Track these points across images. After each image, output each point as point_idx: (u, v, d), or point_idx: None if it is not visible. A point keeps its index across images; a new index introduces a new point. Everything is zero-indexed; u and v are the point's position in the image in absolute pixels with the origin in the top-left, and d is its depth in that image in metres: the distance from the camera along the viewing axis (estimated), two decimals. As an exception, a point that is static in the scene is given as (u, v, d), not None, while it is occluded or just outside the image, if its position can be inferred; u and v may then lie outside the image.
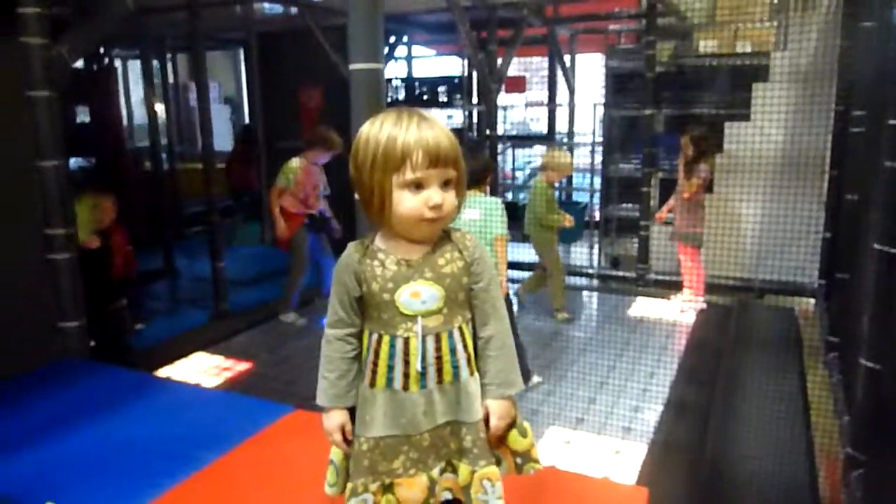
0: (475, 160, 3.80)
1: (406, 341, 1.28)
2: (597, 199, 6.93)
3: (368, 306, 1.31)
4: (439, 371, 1.30)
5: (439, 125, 1.27)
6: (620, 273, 5.96)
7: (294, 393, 3.65)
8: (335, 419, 1.34)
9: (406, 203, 1.25)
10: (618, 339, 4.50)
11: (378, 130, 1.26)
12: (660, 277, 5.63)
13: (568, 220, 4.79)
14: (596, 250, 6.46)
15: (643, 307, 5.28)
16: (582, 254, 6.67)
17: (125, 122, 8.02)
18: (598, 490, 1.78)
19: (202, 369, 4.18)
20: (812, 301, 5.25)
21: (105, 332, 3.72)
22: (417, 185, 1.24)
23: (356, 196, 1.32)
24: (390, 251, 1.31)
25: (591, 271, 5.94)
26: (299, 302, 5.06)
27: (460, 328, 1.32)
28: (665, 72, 6.11)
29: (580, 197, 8.13)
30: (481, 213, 3.99)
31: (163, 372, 4.00)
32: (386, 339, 1.30)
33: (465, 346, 1.32)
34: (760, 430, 3.17)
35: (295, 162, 4.78)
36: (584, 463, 3.07)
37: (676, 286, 5.36)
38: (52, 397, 2.48)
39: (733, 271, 5.29)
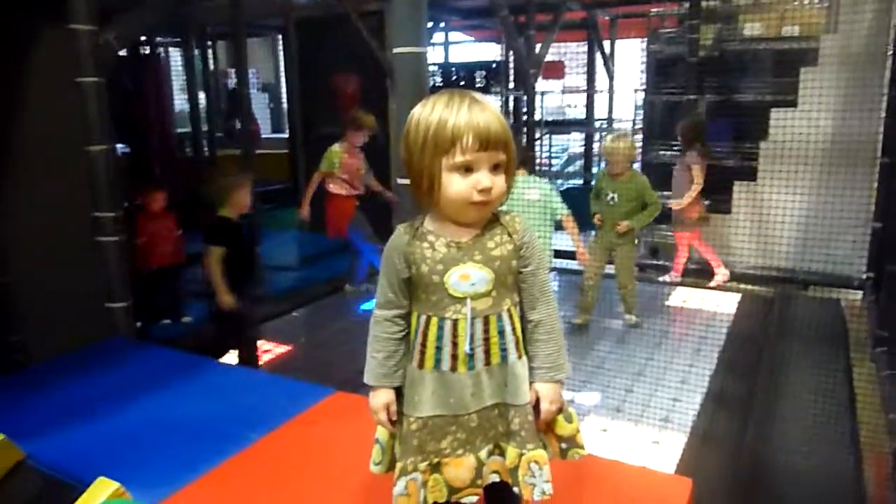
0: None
1: (454, 323, 1.29)
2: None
3: (417, 288, 1.32)
4: (487, 353, 1.30)
5: (491, 108, 1.26)
6: (660, 262, 5.87)
7: (332, 375, 3.69)
8: (381, 398, 1.36)
9: (455, 186, 1.25)
10: (656, 329, 4.44)
11: (429, 113, 1.26)
12: (699, 267, 5.53)
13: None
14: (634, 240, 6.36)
15: (682, 297, 5.20)
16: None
17: (169, 108, 8.15)
18: (640, 479, 1.77)
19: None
20: (859, 293, 5.11)
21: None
22: (467, 169, 1.24)
23: (402, 180, 1.32)
24: (440, 233, 1.31)
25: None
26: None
27: (509, 311, 1.32)
28: (708, 56, 5.97)
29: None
30: (540, 194, 4.02)
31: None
32: (434, 321, 1.30)
33: (513, 329, 1.32)
34: (804, 424, 3.11)
35: (337, 146, 4.83)
36: (621, 452, 3.05)
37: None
38: (102, 375, 2.55)
39: (776, 261, 5.17)
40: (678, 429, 3.31)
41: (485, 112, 1.25)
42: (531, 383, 1.33)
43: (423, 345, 1.31)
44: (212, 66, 8.27)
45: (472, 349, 1.29)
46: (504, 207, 1.37)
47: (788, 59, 5.60)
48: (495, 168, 1.27)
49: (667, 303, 5.08)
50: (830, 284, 5.19)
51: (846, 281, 5.13)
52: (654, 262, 5.93)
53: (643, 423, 3.37)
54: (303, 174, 7.09)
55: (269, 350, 4.28)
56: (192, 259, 5.91)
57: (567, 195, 7.10)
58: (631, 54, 9.27)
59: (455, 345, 1.29)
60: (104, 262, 2.93)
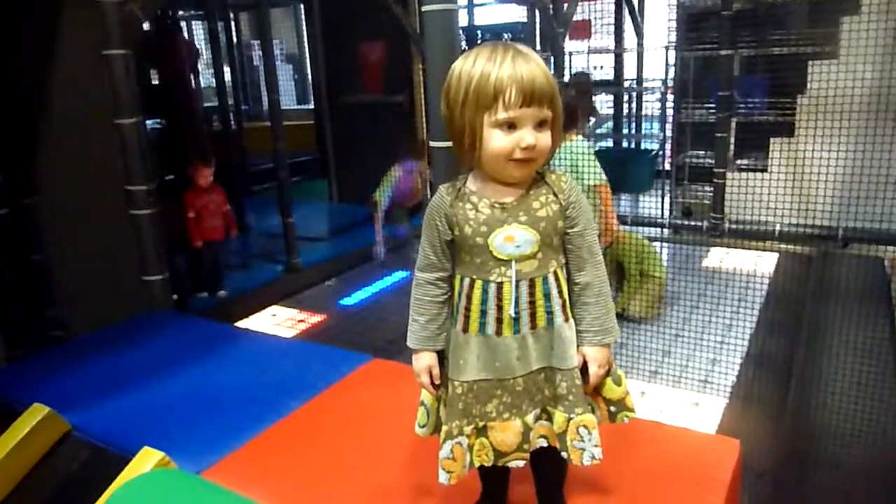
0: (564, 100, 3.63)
1: (499, 286, 1.26)
2: (667, 147, 6.67)
3: (461, 250, 1.29)
4: (533, 316, 1.27)
5: (536, 60, 1.21)
6: (693, 223, 5.76)
7: (367, 343, 3.71)
8: (424, 361, 1.34)
9: (497, 142, 1.20)
10: (692, 290, 4.36)
11: (470, 66, 1.21)
12: (735, 227, 5.42)
13: None
14: (667, 200, 6.25)
15: (718, 258, 5.11)
16: (652, 204, 6.47)
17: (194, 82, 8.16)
18: (687, 440, 1.74)
19: (278, 322, 4.29)
20: (903, 250, 4.97)
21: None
22: (510, 125, 1.20)
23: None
24: (483, 194, 1.27)
25: (662, 221, 5.76)
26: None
27: (555, 273, 1.28)
28: (742, 9, 5.76)
29: (650, 144, 7.87)
30: (569, 157, 3.73)
31: (240, 324, 4.12)
32: (479, 283, 1.27)
33: (559, 292, 1.29)
34: (847, 385, 3.04)
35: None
36: (660, 415, 3.02)
37: (753, 235, 5.14)
38: (141, 347, 2.58)
39: (815, 219, 5.04)
40: (718, 391, 3.27)
41: (529, 64, 1.19)
42: (578, 347, 1.30)
43: (468, 308, 1.29)
44: (235, 39, 8.22)
45: (517, 312, 1.26)
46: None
47: (828, 9, 5.37)
48: (540, 125, 1.21)
49: (703, 263, 5.00)
50: (872, 241, 5.05)
51: (888, 237, 4.98)
52: (689, 222, 5.82)
53: (681, 386, 3.33)
54: (330, 145, 7.07)
55: (303, 320, 4.32)
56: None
57: (597, 157, 6.99)
58: (660, 10, 9.00)
59: (500, 308, 1.26)
60: (138, 235, 2.95)
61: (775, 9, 5.82)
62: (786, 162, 5.32)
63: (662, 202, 6.19)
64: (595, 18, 8.37)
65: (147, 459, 1.70)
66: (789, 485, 2.68)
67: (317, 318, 4.33)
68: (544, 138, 1.22)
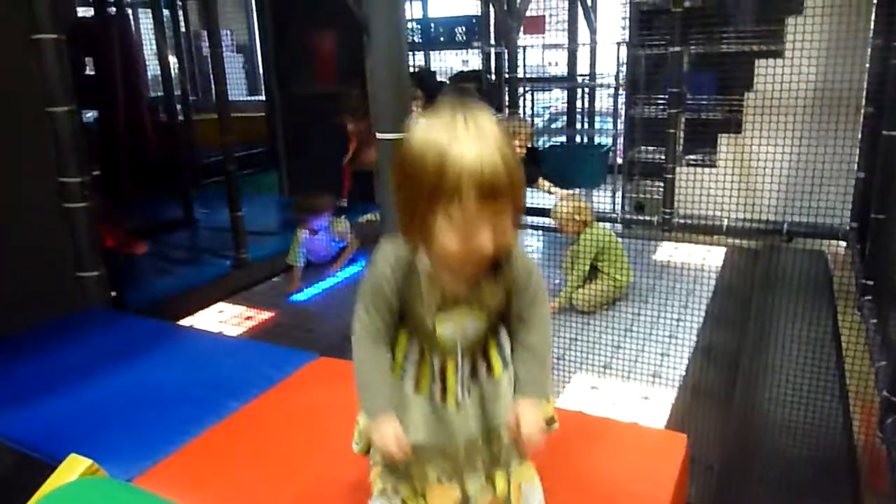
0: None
1: (444, 367, 1.21)
2: (619, 143, 6.74)
3: (406, 316, 1.21)
4: (474, 370, 1.24)
5: (499, 140, 1.05)
6: (645, 218, 5.83)
7: (316, 340, 3.63)
8: (389, 426, 1.19)
9: (450, 242, 1.06)
10: (643, 284, 4.41)
11: (424, 142, 1.05)
12: (685, 221, 5.49)
13: None
14: (619, 195, 6.31)
15: (668, 252, 5.18)
16: (605, 199, 6.52)
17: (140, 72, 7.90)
18: (635, 435, 1.73)
19: (225, 319, 4.17)
20: (843, 244, 5.11)
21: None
22: (463, 224, 1.06)
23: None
24: (435, 277, 1.16)
25: (614, 216, 5.81)
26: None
27: (498, 333, 1.25)
28: (693, 7, 5.83)
29: (602, 140, 7.94)
30: None
31: (185, 322, 3.99)
32: (427, 356, 1.22)
33: (501, 350, 1.25)
34: (792, 376, 3.10)
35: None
36: (611, 409, 3.03)
37: (702, 230, 5.23)
38: (75, 346, 2.46)
39: (761, 214, 5.14)
40: (668, 384, 3.29)
41: (490, 147, 1.02)
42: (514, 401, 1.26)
43: (418, 371, 1.23)
44: (183, 28, 7.99)
45: (462, 384, 1.22)
46: None
47: (774, 8, 5.49)
48: (501, 216, 1.07)
49: (654, 257, 5.05)
50: (815, 235, 5.17)
51: (831, 231, 5.11)
52: (640, 217, 5.88)
53: (632, 380, 3.35)
54: (281, 137, 6.93)
55: (251, 317, 4.20)
56: (168, 226, 5.85)
57: (550, 152, 7.01)
58: (613, 7, 9.09)
59: (444, 385, 1.22)
60: (72, 229, 2.81)
61: (724, 7, 5.91)
62: (733, 158, 5.42)
63: (614, 197, 6.25)
64: (549, 15, 8.41)
65: (74, 467, 1.60)
66: (737, 476, 2.71)
67: (266, 315, 4.23)
68: (503, 234, 1.08)
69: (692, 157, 5.81)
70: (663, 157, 5.69)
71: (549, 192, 4.44)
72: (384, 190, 2.25)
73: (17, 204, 2.78)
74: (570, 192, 4.43)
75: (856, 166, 4.92)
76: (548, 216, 5.04)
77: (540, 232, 5.73)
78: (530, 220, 5.84)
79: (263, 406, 1.93)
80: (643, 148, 6.25)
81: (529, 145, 4.30)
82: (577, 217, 4.21)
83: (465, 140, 1.02)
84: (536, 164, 4.54)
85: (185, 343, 2.46)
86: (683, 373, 3.36)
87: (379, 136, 1.98)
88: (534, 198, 5.90)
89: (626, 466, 1.57)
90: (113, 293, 3.16)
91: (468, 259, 1.09)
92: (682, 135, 5.75)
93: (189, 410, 1.92)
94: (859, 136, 4.90)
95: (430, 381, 1.22)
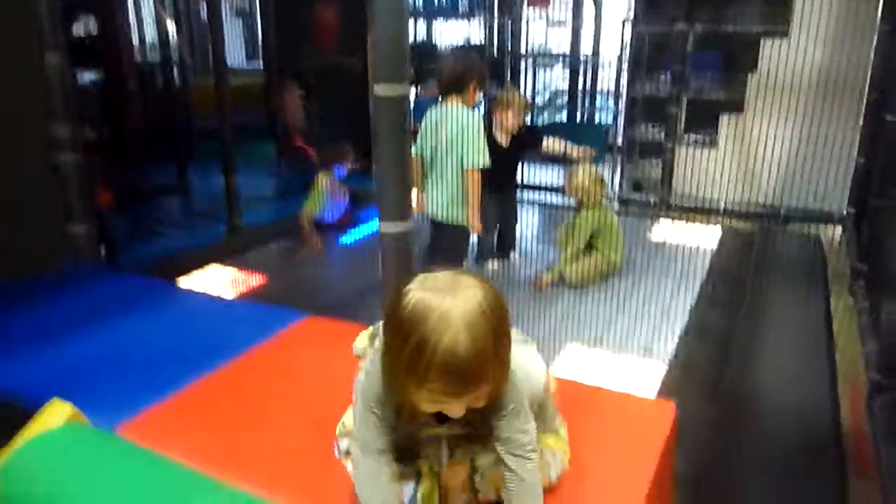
0: (454, 64, 3.42)
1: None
2: (620, 122, 6.67)
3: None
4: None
5: (483, 328, 1.05)
6: (642, 197, 5.80)
7: (307, 306, 3.60)
8: None
9: (423, 405, 1.11)
10: (638, 262, 4.39)
11: (411, 314, 1.06)
12: (682, 202, 5.48)
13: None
14: (618, 174, 6.27)
15: (664, 232, 5.15)
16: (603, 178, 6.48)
17: (134, 36, 7.78)
18: (624, 404, 1.71)
19: (217, 282, 4.14)
20: (839, 229, 5.10)
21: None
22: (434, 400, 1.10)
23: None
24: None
25: (611, 195, 5.78)
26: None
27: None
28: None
29: (603, 119, 7.87)
30: (457, 129, 3.38)
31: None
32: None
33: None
34: (783, 356, 3.10)
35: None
36: (602, 379, 3.02)
37: (699, 211, 5.21)
38: (62, 300, 2.43)
39: (759, 196, 5.13)
40: (658, 359, 3.29)
41: (466, 338, 1.03)
42: None
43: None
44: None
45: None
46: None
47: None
48: (472, 395, 1.10)
49: (650, 237, 5.03)
50: (812, 220, 5.17)
51: (827, 216, 5.10)
52: (637, 197, 5.86)
53: (624, 353, 3.34)
54: (278, 105, 6.86)
55: (244, 280, 4.18)
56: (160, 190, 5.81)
57: (550, 130, 6.94)
58: (618, -15, 8.96)
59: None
60: (62, 182, 2.76)
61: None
62: (734, 139, 5.38)
63: (612, 176, 6.20)
64: (554, -11, 8.29)
65: (55, 412, 1.58)
66: (723, 451, 2.72)
67: (258, 280, 4.20)
68: (476, 404, 1.12)
69: (693, 137, 5.76)
70: (663, 136, 5.66)
71: (563, 153, 4.28)
72: (380, 154, 2.20)
73: (5, 155, 2.73)
74: (584, 149, 4.34)
75: (856, 151, 4.88)
76: (538, 190, 5.01)
77: (535, 206, 5.72)
78: (528, 195, 5.82)
79: (250, 362, 1.91)
80: (643, 127, 6.20)
81: (524, 119, 4.15)
82: (589, 191, 4.15)
83: (444, 326, 1.03)
84: (533, 142, 4.45)
85: (173, 300, 2.44)
86: (674, 349, 3.36)
87: (377, 91, 1.95)
88: (536, 172, 5.87)
89: (615, 434, 1.56)
90: (104, 252, 3.13)
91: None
92: (683, 115, 5.71)
93: (174, 365, 1.89)
94: (861, 121, 4.86)
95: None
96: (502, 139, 4.09)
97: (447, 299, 1.05)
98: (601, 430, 1.57)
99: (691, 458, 2.62)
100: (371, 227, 4.35)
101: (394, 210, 2.08)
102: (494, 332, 1.06)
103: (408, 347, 1.04)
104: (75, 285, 2.59)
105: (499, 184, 4.02)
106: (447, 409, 1.11)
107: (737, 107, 5.44)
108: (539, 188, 5.99)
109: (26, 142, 2.78)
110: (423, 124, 3.47)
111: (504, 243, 4.41)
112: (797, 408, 2.92)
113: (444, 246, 3.53)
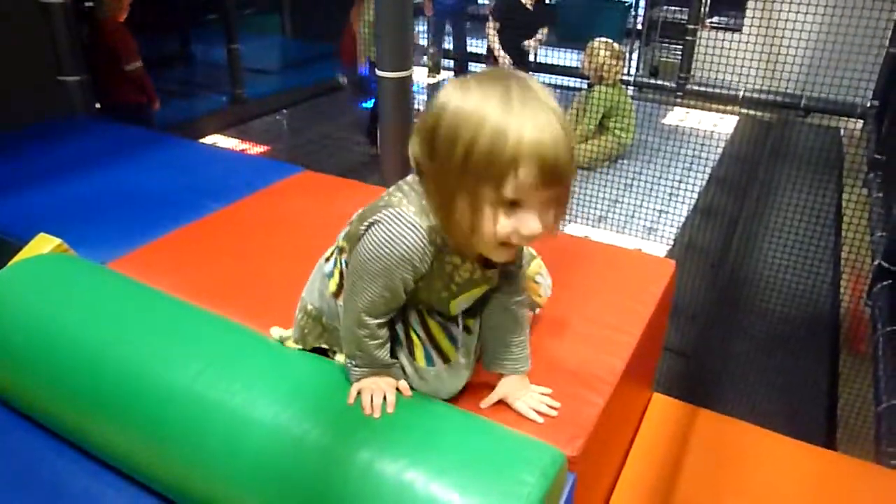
0: None
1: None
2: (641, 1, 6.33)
3: (415, 294, 1.07)
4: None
5: (559, 116, 0.89)
6: (659, 82, 5.59)
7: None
8: (388, 378, 1.10)
9: (491, 226, 0.92)
10: (649, 144, 4.27)
11: (473, 112, 0.88)
12: (700, 88, 5.27)
13: None
14: (635, 57, 6.02)
15: (678, 117, 4.99)
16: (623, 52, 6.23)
17: None
18: (628, 258, 1.68)
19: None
20: (860, 122, 4.92)
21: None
22: (514, 203, 0.91)
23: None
24: (465, 257, 1.03)
25: (627, 79, 5.56)
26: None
27: None
28: None
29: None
30: None
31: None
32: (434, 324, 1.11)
33: None
34: (788, 240, 3.05)
35: None
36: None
37: (717, 98, 5.03)
38: (57, 147, 2.37)
39: (781, 85, 4.91)
40: (661, 240, 3.26)
41: (553, 126, 0.88)
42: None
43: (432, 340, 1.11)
44: None
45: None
46: None
47: None
48: (549, 203, 0.93)
49: (662, 121, 4.88)
50: (832, 112, 4.99)
51: (849, 109, 4.92)
52: (653, 81, 5.65)
53: (626, 233, 3.31)
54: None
55: (245, 150, 4.11)
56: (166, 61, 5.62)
57: (566, 4, 6.59)
58: None
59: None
60: (51, 29, 2.63)
61: None
62: (760, 22, 5.10)
63: (629, 59, 5.95)
64: None
65: (43, 245, 1.57)
66: (719, 326, 2.74)
67: (261, 149, 4.13)
68: (549, 223, 0.95)
69: (717, 19, 5.48)
70: (686, 17, 5.38)
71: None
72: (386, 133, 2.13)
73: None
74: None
75: (887, 42, 4.63)
76: (552, 73, 4.82)
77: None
78: (538, 76, 5.60)
79: (244, 208, 1.87)
80: (666, 7, 5.89)
81: None
82: (610, 65, 4.01)
83: (525, 116, 0.87)
84: (549, 17, 4.44)
85: (170, 149, 2.36)
86: (679, 230, 3.32)
87: (381, 74, 1.97)
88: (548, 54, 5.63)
89: (613, 283, 1.53)
90: (97, 104, 3.04)
91: (507, 244, 0.95)
92: (708, -7, 5.40)
93: (168, 209, 1.85)
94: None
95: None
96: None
97: (509, 84, 0.89)
98: (601, 279, 1.55)
99: (686, 332, 2.64)
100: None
101: (394, 60, 2.01)
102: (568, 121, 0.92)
103: (482, 139, 0.86)
104: (71, 134, 2.52)
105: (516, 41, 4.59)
106: (525, 220, 0.91)
107: (767, -13, 5.12)
108: (552, 70, 5.77)
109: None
110: None
111: None
112: (798, 289, 2.91)
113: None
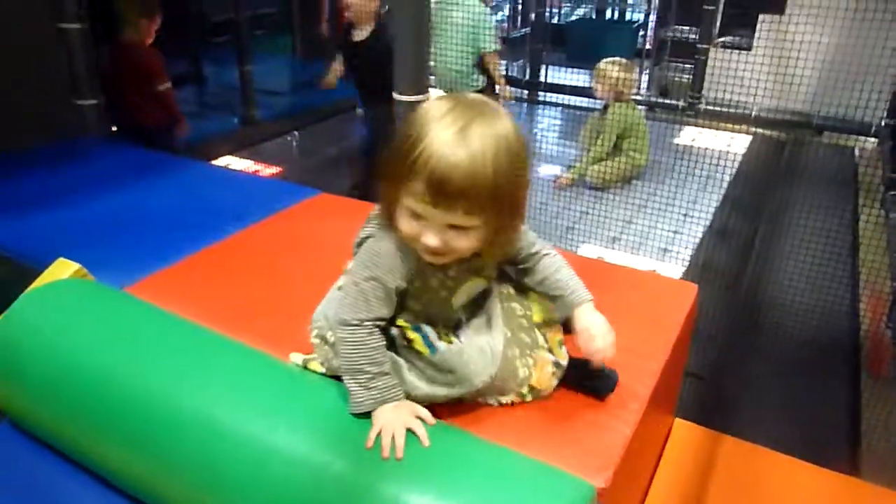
0: None
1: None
2: (651, 20, 6.35)
3: (409, 298, 1.09)
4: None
5: (497, 152, 0.94)
6: (670, 101, 5.58)
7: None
8: (406, 407, 1.07)
9: (404, 226, 1.01)
10: (661, 165, 4.25)
11: (418, 118, 0.97)
12: (712, 107, 5.26)
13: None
14: (645, 76, 6.02)
15: (690, 136, 4.98)
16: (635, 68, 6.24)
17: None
18: (646, 281, 1.66)
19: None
20: (873, 140, 4.90)
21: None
22: (416, 215, 0.98)
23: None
24: (432, 265, 1.09)
25: (638, 97, 5.57)
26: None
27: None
28: None
29: (634, 15, 7.49)
30: (466, 17, 3.65)
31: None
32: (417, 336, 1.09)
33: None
34: (804, 262, 3.02)
35: None
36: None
37: (729, 118, 5.01)
38: (73, 169, 2.38)
39: (793, 104, 4.90)
40: (676, 261, 3.23)
41: (468, 153, 0.93)
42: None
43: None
44: None
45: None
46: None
47: None
48: (454, 228, 0.98)
49: (675, 140, 4.86)
50: (846, 131, 4.96)
51: (863, 128, 4.89)
52: (663, 101, 5.65)
53: (640, 254, 3.28)
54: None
55: (258, 171, 4.12)
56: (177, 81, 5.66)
57: (576, 26, 6.62)
58: None
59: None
60: (69, 53, 2.65)
61: None
62: (772, 41, 5.10)
63: (640, 78, 5.96)
64: None
65: (62, 270, 1.56)
66: (738, 349, 2.70)
67: (274, 170, 4.14)
68: (457, 242, 0.99)
69: (727, 38, 5.48)
70: (696, 37, 5.38)
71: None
72: (401, 26, 2.14)
73: (10, 22, 2.63)
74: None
75: (901, 60, 4.61)
76: (563, 93, 4.81)
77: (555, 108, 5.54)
78: (547, 96, 5.62)
79: (262, 231, 1.86)
80: (676, 27, 5.89)
81: None
82: (625, 79, 4.01)
83: (446, 136, 0.93)
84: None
85: (183, 172, 2.37)
86: (694, 251, 3.29)
87: (396, 97, 2.04)
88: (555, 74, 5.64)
89: (635, 309, 1.51)
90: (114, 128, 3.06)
91: (430, 253, 1.01)
92: (720, 13, 5.41)
93: (186, 232, 1.85)
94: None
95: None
96: None
97: (462, 108, 0.97)
98: (623, 303, 1.53)
99: (704, 355, 2.60)
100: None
101: (411, 84, 2.02)
102: (506, 159, 0.95)
103: (404, 143, 0.96)
104: (87, 155, 2.53)
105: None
106: (425, 231, 0.98)
107: (778, 7, 5.13)
108: (561, 90, 5.77)
109: (29, 7, 2.66)
110: None
111: None
112: (816, 312, 2.88)
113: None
